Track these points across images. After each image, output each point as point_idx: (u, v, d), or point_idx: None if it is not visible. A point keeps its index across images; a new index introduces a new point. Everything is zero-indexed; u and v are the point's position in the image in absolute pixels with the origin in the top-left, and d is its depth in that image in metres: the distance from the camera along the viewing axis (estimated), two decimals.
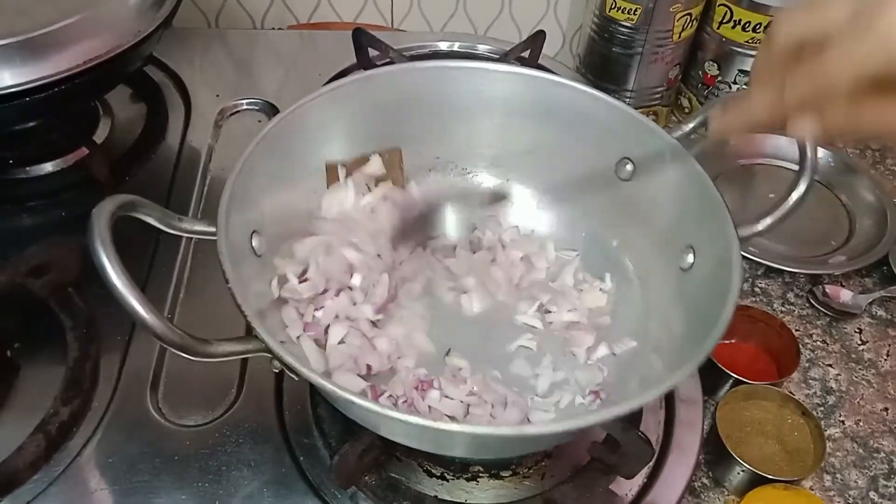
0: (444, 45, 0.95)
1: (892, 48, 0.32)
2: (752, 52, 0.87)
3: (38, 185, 0.75)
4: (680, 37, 0.88)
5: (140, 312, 0.38)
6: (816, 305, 0.75)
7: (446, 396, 0.54)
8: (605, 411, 0.41)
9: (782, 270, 0.77)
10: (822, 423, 0.64)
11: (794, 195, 0.52)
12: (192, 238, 0.68)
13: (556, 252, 0.65)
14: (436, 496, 0.53)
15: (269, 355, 0.42)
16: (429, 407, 0.53)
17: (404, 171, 0.64)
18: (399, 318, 0.59)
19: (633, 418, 0.56)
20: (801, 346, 0.67)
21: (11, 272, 0.62)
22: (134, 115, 0.84)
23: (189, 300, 0.65)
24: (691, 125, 0.57)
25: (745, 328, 0.69)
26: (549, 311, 0.61)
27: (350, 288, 0.57)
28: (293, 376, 0.42)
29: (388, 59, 0.82)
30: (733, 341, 0.69)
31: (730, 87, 0.92)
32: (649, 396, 0.42)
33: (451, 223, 0.66)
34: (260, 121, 0.84)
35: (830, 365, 0.71)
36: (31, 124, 0.72)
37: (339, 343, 0.55)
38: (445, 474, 0.54)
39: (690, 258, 0.54)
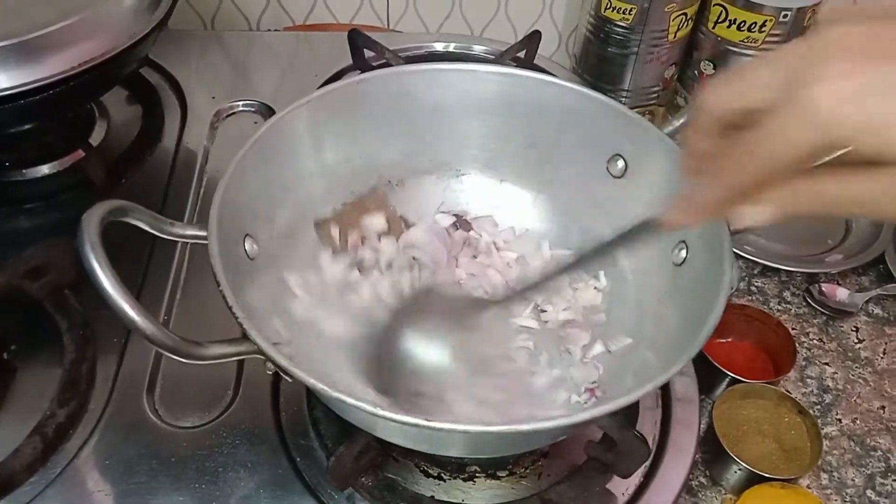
0: (439, 46, 0.95)
1: (822, 125, 0.27)
2: (748, 52, 0.88)
3: (34, 187, 0.75)
4: (675, 36, 0.88)
5: (130, 315, 0.38)
6: (813, 304, 0.76)
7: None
8: (597, 408, 0.41)
9: (779, 269, 0.77)
10: (819, 421, 0.64)
11: None
12: (187, 242, 0.68)
13: (551, 251, 0.65)
14: (432, 496, 0.53)
15: (263, 357, 0.42)
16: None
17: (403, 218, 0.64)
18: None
19: (630, 417, 0.56)
20: (797, 345, 0.67)
21: (8, 274, 0.62)
22: (130, 117, 0.84)
23: (185, 303, 0.65)
24: (682, 121, 0.58)
25: (741, 327, 0.69)
26: (545, 311, 0.61)
27: None
28: (287, 378, 0.42)
29: (384, 61, 0.82)
30: (730, 340, 0.69)
31: None
32: (641, 392, 0.42)
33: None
34: (256, 122, 0.84)
35: (827, 363, 0.71)
36: (26, 127, 0.72)
37: None
38: (442, 474, 0.54)
39: (683, 253, 0.54)
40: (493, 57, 0.90)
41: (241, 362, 0.60)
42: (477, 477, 0.54)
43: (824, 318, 0.75)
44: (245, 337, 0.42)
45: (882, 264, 0.78)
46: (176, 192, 0.75)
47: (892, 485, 0.62)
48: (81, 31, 0.64)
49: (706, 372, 0.63)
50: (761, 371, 0.67)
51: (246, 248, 0.52)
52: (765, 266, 0.77)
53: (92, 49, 0.65)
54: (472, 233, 0.66)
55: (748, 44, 0.87)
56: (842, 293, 0.76)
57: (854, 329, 0.74)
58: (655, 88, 0.94)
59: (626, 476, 0.53)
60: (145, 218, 0.45)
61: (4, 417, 0.56)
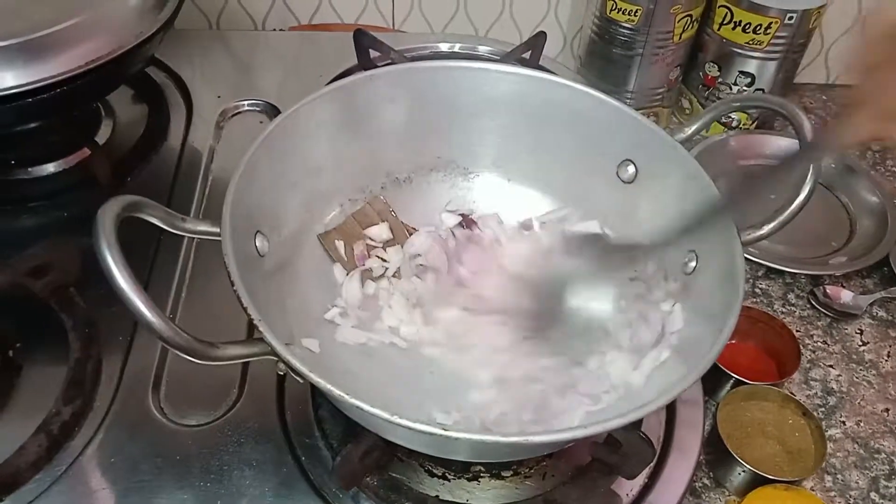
0: (444, 47, 0.95)
1: None
2: (753, 54, 0.88)
3: (39, 185, 0.75)
4: (680, 38, 0.88)
5: (147, 315, 0.38)
6: (817, 306, 0.76)
7: None
8: (604, 423, 0.41)
9: (783, 271, 0.77)
10: (823, 423, 0.64)
11: (798, 199, 0.52)
12: (193, 239, 0.68)
13: (556, 250, 0.65)
14: (437, 496, 0.53)
15: (275, 358, 0.42)
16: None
17: (404, 224, 0.65)
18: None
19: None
20: (801, 347, 0.67)
21: (13, 273, 0.62)
22: (136, 116, 0.84)
23: (191, 301, 0.65)
24: (693, 128, 0.58)
25: (745, 329, 0.69)
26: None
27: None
28: (298, 379, 0.42)
29: (389, 61, 0.82)
30: (734, 342, 0.69)
31: (730, 89, 0.92)
32: (652, 406, 0.42)
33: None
34: (261, 122, 0.84)
35: (831, 366, 0.71)
36: (33, 125, 0.72)
37: None
38: (447, 474, 0.54)
39: (693, 264, 0.54)
40: (498, 57, 0.90)
41: (245, 361, 0.60)
42: (481, 477, 0.55)
43: (829, 320, 0.75)
44: (257, 338, 0.42)
45: (886, 267, 0.78)
46: (181, 191, 0.75)
47: (895, 487, 0.62)
48: (88, 31, 0.65)
49: (710, 374, 0.62)
50: (765, 373, 0.67)
51: (257, 244, 0.52)
52: (769, 268, 0.77)
53: (98, 48, 0.65)
54: (475, 230, 0.66)
55: (753, 46, 0.87)
56: (846, 295, 0.76)
57: (858, 331, 0.74)
58: (660, 90, 0.94)
59: (631, 478, 0.53)
60: (159, 214, 0.45)
61: (10, 415, 0.56)
